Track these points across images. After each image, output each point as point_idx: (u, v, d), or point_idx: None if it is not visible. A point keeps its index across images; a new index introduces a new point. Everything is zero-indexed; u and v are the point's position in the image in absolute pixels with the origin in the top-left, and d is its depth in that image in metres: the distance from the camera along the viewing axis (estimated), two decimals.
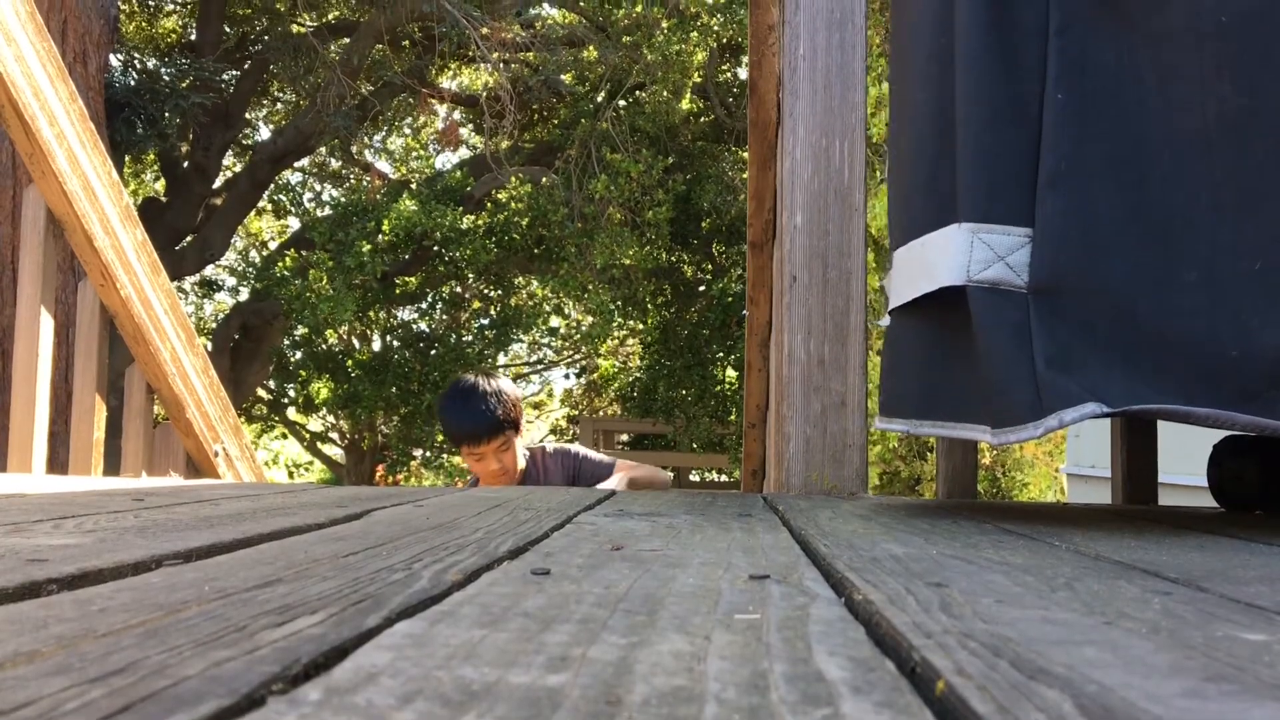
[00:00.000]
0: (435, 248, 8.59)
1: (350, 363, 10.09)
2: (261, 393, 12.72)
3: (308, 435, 15.44)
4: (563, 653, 0.46)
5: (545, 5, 9.54)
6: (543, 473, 2.98)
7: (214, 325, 11.48)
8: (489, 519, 1.08)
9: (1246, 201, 1.15)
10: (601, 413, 13.59)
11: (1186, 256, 1.16)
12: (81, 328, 2.58)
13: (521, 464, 2.92)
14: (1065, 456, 6.30)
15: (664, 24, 8.38)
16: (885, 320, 1.53)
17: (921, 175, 1.36)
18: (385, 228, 8.03)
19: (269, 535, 0.89)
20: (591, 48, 8.84)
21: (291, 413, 14.08)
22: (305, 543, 0.85)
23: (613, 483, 2.91)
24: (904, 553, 0.86)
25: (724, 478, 12.30)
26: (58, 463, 3.10)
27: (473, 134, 11.18)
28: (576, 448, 3.12)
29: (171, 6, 10.57)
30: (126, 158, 8.18)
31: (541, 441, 3.51)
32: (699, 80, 9.05)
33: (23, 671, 0.40)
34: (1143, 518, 1.44)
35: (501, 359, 12.94)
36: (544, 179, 8.77)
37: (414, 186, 9.17)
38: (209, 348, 9.06)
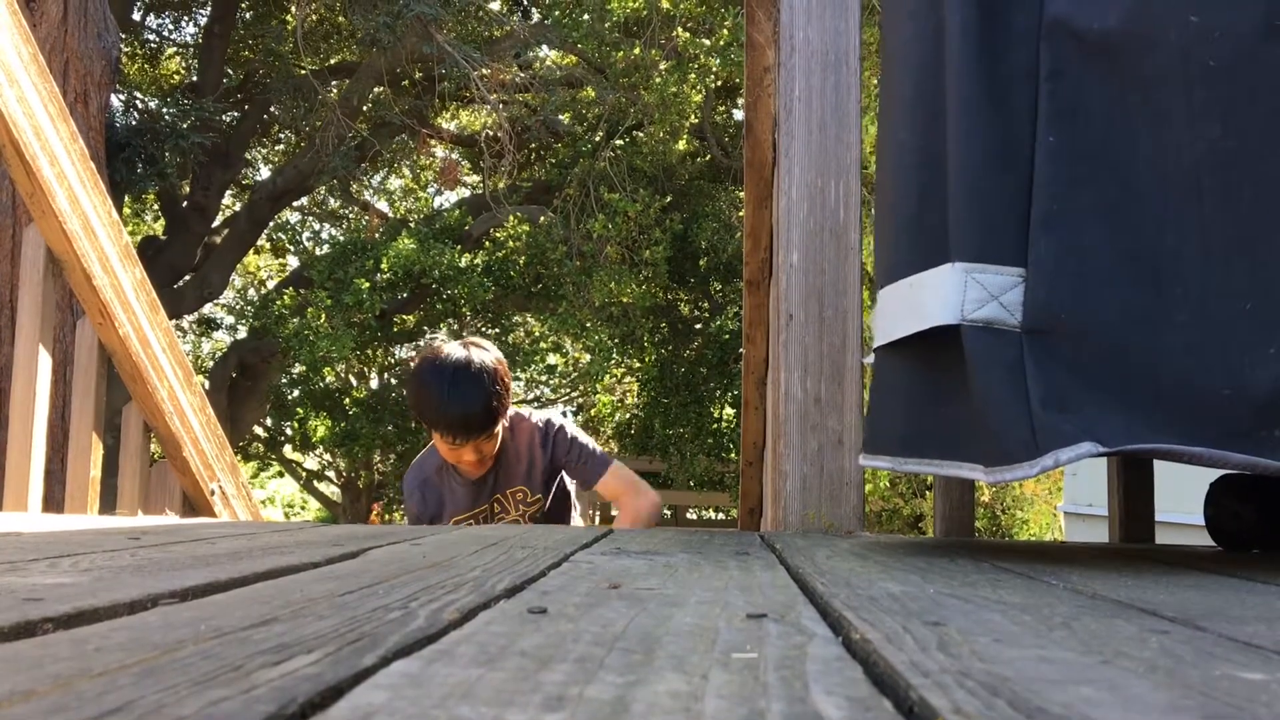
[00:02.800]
0: (433, 286, 8.62)
1: (348, 401, 10.09)
2: (258, 431, 12.70)
3: (304, 473, 15.40)
4: (560, 692, 0.46)
5: (544, 47, 9.63)
6: (519, 451, 2.50)
7: (212, 363, 11.48)
8: (485, 557, 1.08)
9: (1236, 242, 1.16)
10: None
11: (1178, 296, 1.17)
12: (79, 366, 2.59)
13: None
14: (1063, 495, 6.29)
15: (662, 66, 8.46)
16: (870, 358, 1.53)
17: (907, 215, 1.37)
18: (384, 266, 8.06)
19: (265, 574, 0.89)
20: (589, 88, 8.92)
21: (288, 451, 14.05)
22: (301, 581, 0.85)
23: (601, 487, 2.52)
24: (901, 591, 0.86)
25: (721, 515, 12.25)
26: (54, 501, 3.09)
27: (471, 173, 11.25)
28: (569, 427, 2.57)
29: (174, 48, 10.67)
30: (126, 197, 8.22)
31: (527, 408, 2.84)
32: (696, 121, 9.12)
33: (19, 711, 0.40)
34: (1140, 556, 1.44)
35: None
36: (542, 218, 8.81)
37: (412, 225, 9.22)
38: (206, 386, 9.05)
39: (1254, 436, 1.12)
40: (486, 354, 2.37)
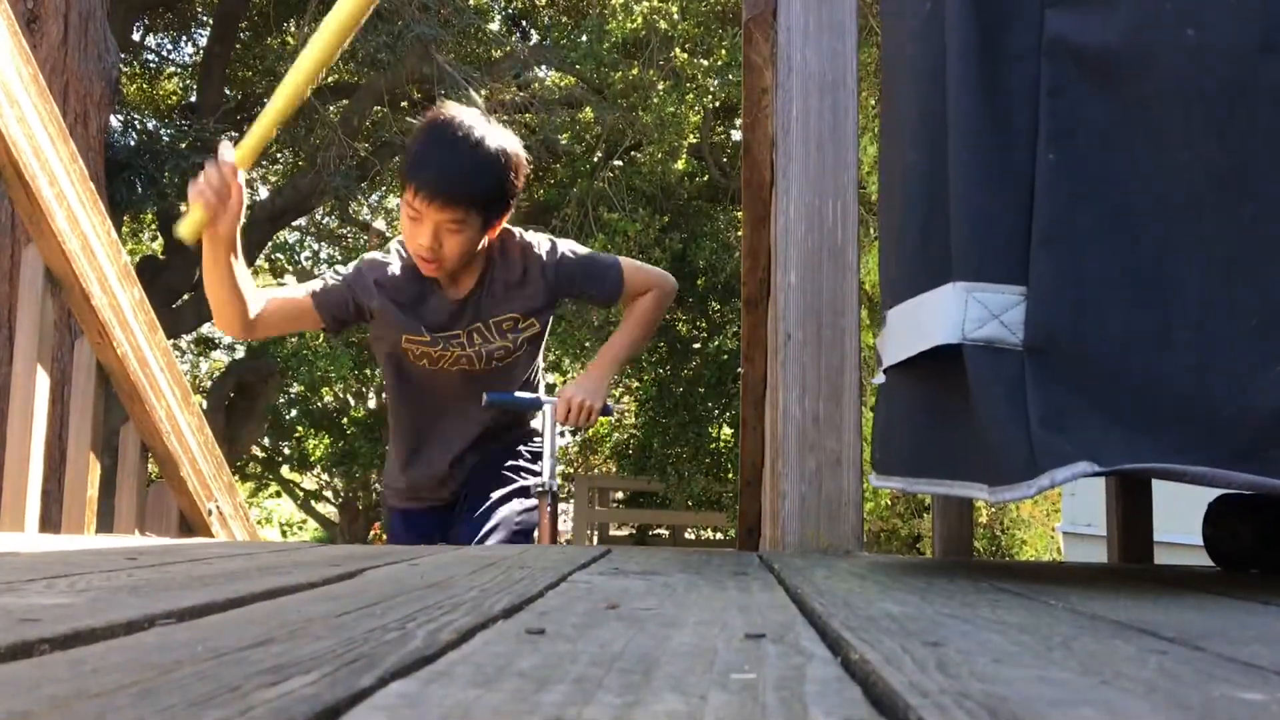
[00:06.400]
0: None
1: (346, 420, 10.08)
2: (256, 451, 12.68)
3: (301, 494, 15.37)
4: (557, 713, 0.45)
5: (543, 68, 9.68)
6: (511, 273, 2.20)
7: (210, 383, 11.48)
8: (483, 577, 1.08)
9: (1238, 261, 1.16)
10: (597, 470, 13.54)
11: (1179, 315, 1.17)
12: (77, 386, 2.58)
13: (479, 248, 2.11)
14: (1062, 515, 6.28)
15: (660, 86, 8.50)
16: (880, 378, 1.53)
17: (914, 235, 1.37)
18: None
19: (262, 594, 0.89)
20: (588, 109, 8.96)
21: (286, 471, 14.02)
22: (299, 602, 0.85)
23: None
24: (900, 611, 0.86)
25: (720, 536, 12.23)
26: (51, 521, 3.08)
27: None
28: (571, 249, 2.25)
29: (173, 69, 10.71)
30: (125, 217, 8.24)
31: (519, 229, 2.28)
32: (694, 141, 9.15)
33: None
34: (1139, 576, 1.44)
35: None
36: None
37: None
38: (204, 405, 9.04)
39: (1258, 456, 1.11)
40: (508, 135, 2.10)
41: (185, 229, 1.88)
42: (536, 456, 2.46)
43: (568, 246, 2.26)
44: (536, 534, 2.40)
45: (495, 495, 2.35)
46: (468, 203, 2.00)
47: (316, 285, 2.18)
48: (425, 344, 2.22)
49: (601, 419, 2.39)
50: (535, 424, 2.47)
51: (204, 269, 1.96)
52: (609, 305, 2.33)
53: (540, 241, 2.24)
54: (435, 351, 2.23)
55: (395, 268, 2.19)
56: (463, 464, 2.38)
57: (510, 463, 2.42)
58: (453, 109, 2.10)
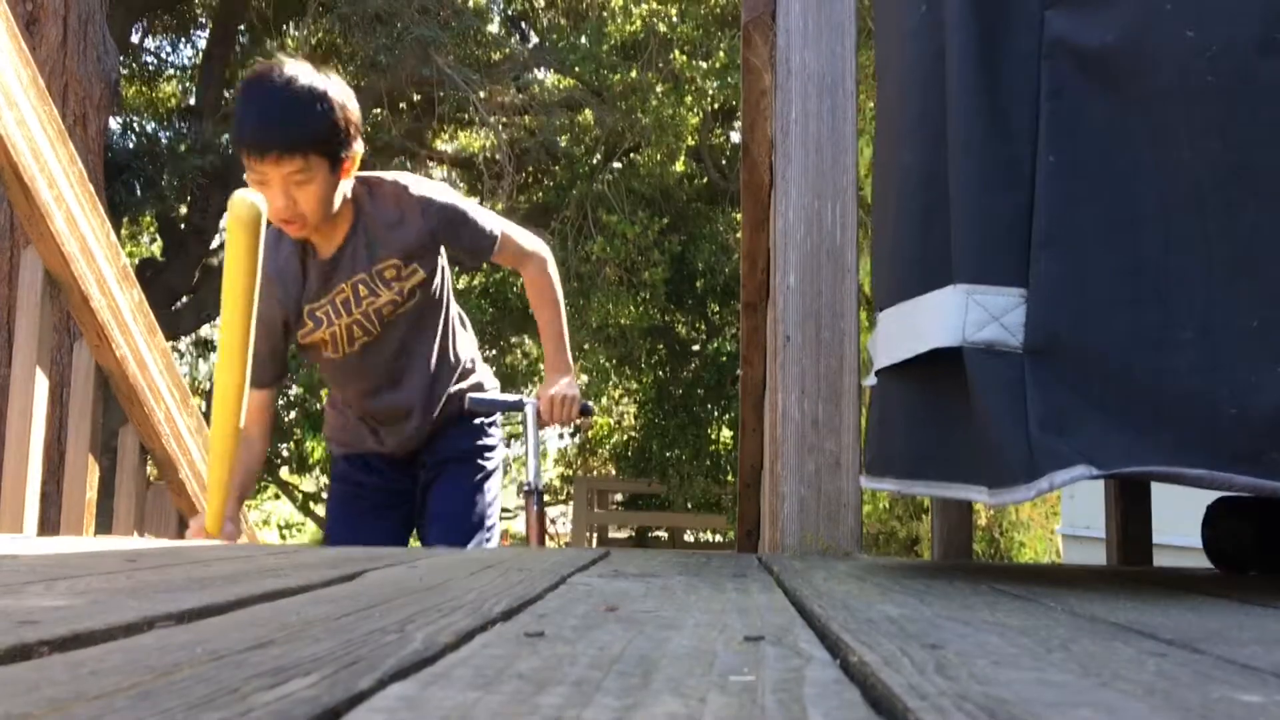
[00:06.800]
0: None
1: None
2: None
3: (300, 495, 15.35)
4: (557, 715, 0.45)
5: (542, 70, 9.68)
6: (384, 219, 2.10)
7: (209, 385, 11.47)
8: (482, 580, 1.08)
9: (1241, 259, 1.16)
10: (596, 472, 13.53)
11: (1182, 315, 1.17)
12: (76, 388, 2.58)
13: (338, 203, 2.03)
14: (1061, 517, 6.28)
15: (659, 88, 8.50)
16: (871, 380, 1.53)
17: (910, 237, 1.37)
18: None
19: (261, 596, 0.89)
20: (587, 111, 8.96)
21: (285, 473, 14.00)
22: (298, 604, 0.85)
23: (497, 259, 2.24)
24: (899, 614, 0.86)
25: (719, 538, 12.23)
26: (50, 523, 3.08)
27: (469, 195, 11.27)
28: (449, 198, 2.17)
29: (172, 71, 10.71)
30: (125, 219, 8.24)
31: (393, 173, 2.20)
32: (693, 143, 9.15)
33: None
34: (1138, 579, 1.44)
35: None
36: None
37: None
38: (203, 408, 9.02)
39: (1260, 458, 1.11)
40: (330, 76, 2.02)
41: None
42: (492, 425, 2.41)
43: (447, 193, 2.20)
44: (524, 531, 2.43)
45: (460, 490, 2.31)
46: (300, 145, 1.92)
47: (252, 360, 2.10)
48: (310, 330, 2.15)
49: (599, 420, 2.45)
50: (480, 380, 2.40)
51: None
52: (479, 262, 2.31)
53: (417, 183, 2.16)
54: (327, 334, 2.15)
55: (277, 255, 2.12)
56: (417, 422, 2.27)
57: (468, 444, 2.35)
58: (262, 65, 2.06)
